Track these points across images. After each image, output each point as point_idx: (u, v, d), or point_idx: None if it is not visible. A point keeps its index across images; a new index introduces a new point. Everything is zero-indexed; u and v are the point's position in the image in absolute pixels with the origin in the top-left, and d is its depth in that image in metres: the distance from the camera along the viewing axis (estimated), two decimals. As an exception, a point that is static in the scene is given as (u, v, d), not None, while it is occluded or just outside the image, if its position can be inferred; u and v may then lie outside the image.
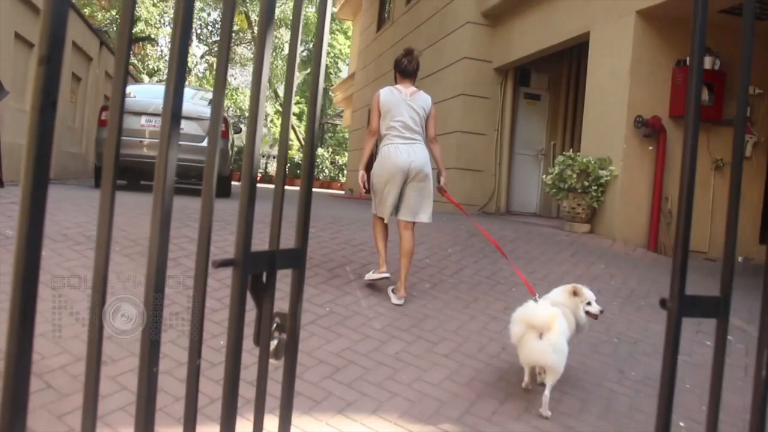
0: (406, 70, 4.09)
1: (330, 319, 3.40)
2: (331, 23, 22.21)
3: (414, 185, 3.97)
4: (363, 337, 3.26)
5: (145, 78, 18.69)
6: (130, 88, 8.34)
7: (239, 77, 33.66)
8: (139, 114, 7.22)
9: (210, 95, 8.62)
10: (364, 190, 4.12)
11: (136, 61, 20.18)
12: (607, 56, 6.85)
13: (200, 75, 28.20)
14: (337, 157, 31.12)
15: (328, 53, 34.70)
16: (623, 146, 6.52)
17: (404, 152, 3.98)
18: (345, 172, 24.32)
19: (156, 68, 20.49)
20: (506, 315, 3.33)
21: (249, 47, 29.90)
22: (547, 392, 2.70)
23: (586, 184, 6.48)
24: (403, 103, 4.04)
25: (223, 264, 0.91)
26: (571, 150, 6.92)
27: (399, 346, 3.21)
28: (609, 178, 6.52)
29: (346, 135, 25.20)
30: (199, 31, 28.59)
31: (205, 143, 7.12)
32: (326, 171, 29.44)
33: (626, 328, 4.05)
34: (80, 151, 10.34)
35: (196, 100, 8.25)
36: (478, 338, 3.45)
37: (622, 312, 4.35)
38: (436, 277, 4.43)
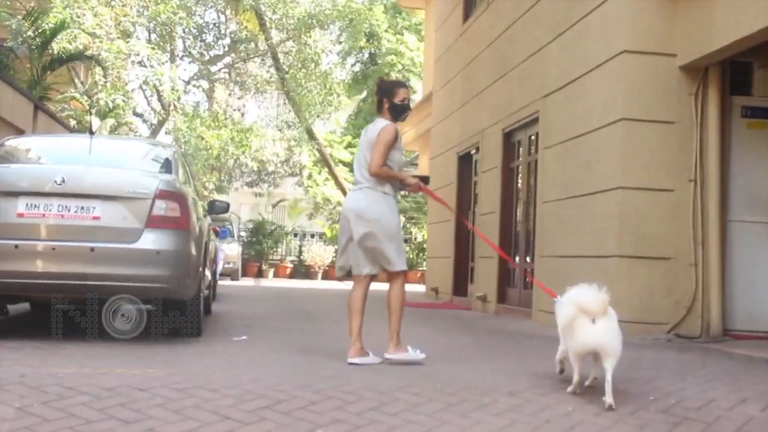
0: None
1: None
2: (394, 17, 22.40)
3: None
4: None
5: (95, 121, 18.41)
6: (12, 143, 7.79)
7: (255, 110, 33.77)
8: (16, 194, 6.50)
9: (169, 152, 8.02)
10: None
11: (78, 95, 20.01)
12: None
13: (189, 109, 28.02)
14: (414, 230, 30.39)
15: (393, 65, 34.59)
16: None
17: (349, 198, 6.23)
18: (425, 256, 23.40)
19: (112, 105, 20.29)
20: None
21: (265, 62, 29.76)
22: (609, 377, 4.42)
23: None
24: (360, 144, 6.20)
25: None
26: None
27: None
28: None
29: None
30: (187, 42, 28.60)
31: (142, 243, 6.50)
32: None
33: None
34: None
35: (134, 162, 7.63)
36: None
37: None
38: None
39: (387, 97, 6.16)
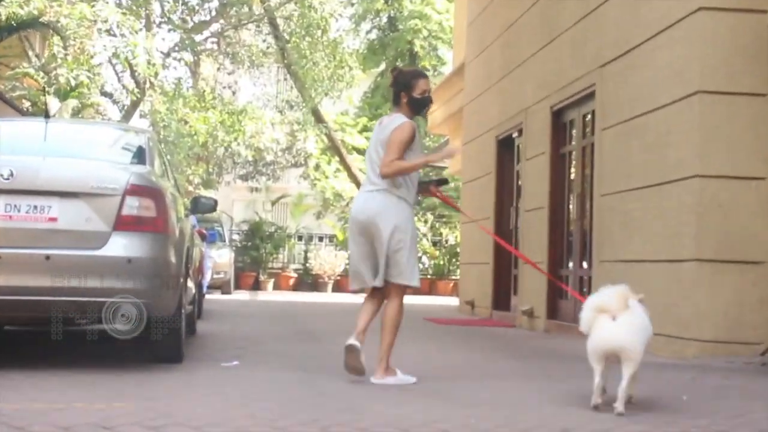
0: None
1: None
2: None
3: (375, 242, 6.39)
4: None
5: (53, 102, 18.47)
6: None
7: (250, 88, 33.81)
8: None
9: (143, 139, 8.15)
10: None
11: (32, 71, 20.11)
12: None
13: (169, 87, 28.04)
14: (444, 232, 30.57)
15: (417, 31, 34.65)
16: None
17: (360, 201, 6.69)
18: (458, 262, 23.47)
19: (75, 82, 20.33)
20: None
21: (261, 30, 29.82)
22: (624, 383, 4.81)
23: None
24: (373, 138, 6.64)
25: None
26: None
27: None
28: None
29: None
30: (166, 5, 28.60)
31: (110, 249, 6.54)
32: (424, 261, 28.85)
33: None
34: None
35: (99, 151, 7.71)
36: None
37: None
38: None
39: (405, 90, 6.54)
